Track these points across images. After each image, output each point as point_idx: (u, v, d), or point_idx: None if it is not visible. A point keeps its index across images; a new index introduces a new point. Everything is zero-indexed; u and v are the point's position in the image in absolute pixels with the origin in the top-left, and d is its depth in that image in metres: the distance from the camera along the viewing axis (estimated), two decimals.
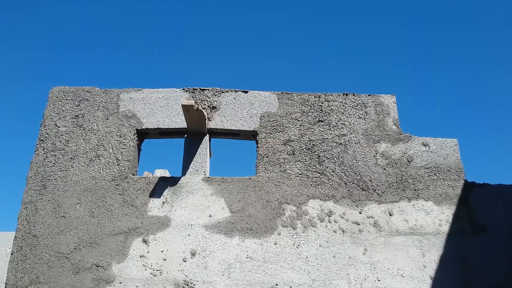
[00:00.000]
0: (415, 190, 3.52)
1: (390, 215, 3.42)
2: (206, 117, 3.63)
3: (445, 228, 3.39)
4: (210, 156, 4.08)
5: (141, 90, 3.92)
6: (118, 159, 3.57)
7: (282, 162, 3.61)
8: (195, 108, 3.32)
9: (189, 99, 3.75)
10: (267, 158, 3.62)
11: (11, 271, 3.16)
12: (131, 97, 3.87)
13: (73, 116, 3.78)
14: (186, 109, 3.36)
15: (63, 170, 3.53)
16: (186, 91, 3.92)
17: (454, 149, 3.71)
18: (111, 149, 3.61)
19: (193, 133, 3.76)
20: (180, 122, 3.75)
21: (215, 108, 3.83)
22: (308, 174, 3.57)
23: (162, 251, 3.25)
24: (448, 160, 3.66)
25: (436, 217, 3.43)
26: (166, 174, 8.23)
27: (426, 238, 3.35)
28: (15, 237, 3.29)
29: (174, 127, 3.78)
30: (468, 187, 3.55)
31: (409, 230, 3.38)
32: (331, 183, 3.53)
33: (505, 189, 3.56)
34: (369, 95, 3.94)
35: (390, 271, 3.23)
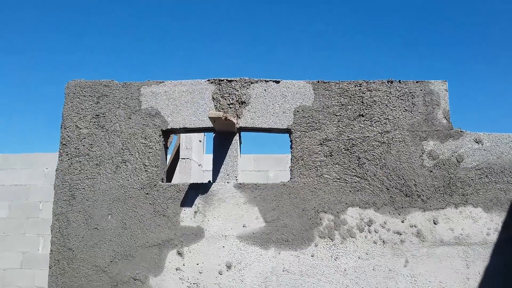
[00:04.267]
0: (463, 195, 3.51)
1: (434, 223, 3.46)
2: (236, 122, 3.58)
3: (493, 237, 3.43)
4: (240, 143, 4.09)
5: (163, 82, 3.87)
6: (145, 165, 3.65)
7: (319, 165, 3.61)
8: (223, 118, 3.28)
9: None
10: (302, 161, 3.62)
11: (52, 285, 3.44)
12: (152, 92, 3.82)
13: (94, 116, 3.80)
14: (213, 120, 3.32)
15: (90, 178, 3.65)
16: (211, 82, 3.84)
17: (510, 145, 3.62)
18: (137, 154, 3.67)
19: (222, 133, 3.74)
20: (207, 119, 3.72)
21: (244, 103, 3.77)
22: (347, 178, 3.57)
23: (197, 264, 3.44)
24: (502, 159, 3.57)
25: (484, 225, 3.45)
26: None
27: (471, 249, 3.41)
28: (51, 250, 3.53)
29: (201, 126, 3.76)
30: None
31: (454, 240, 3.43)
32: (372, 189, 3.54)
33: None
34: (417, 82, 3.77)
35: (431, 284, 3.35)
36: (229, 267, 3.49)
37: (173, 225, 3.58)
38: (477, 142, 3.67)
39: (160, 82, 3.92)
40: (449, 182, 3.58)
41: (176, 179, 8.11)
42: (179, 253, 3.53)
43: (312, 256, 3.48)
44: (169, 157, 8.18)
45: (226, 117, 3.42)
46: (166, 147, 3.91)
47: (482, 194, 3.56)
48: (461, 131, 3.70)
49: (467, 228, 3.50)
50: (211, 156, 4.03)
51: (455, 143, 3.66)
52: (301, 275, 3.45)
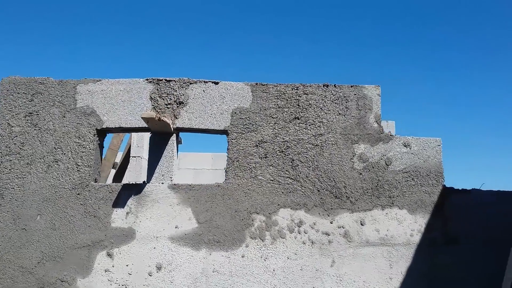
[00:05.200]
0: (390, 197, 3.68)
1: (361, 224, 3.62)
2: (172, 123, 3.64)
3: (416, 238, 3.62)
4: (180, 143, 4.14)
5: (100, 81, 3.88)
6: (78, 165, 3.66)
7: (254, 166, 3.71)
8: (156, 119, 3.33)
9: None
10: (237, 162, 3.71)
11: None
12: (89, 90, 3.83)
13: (27, 114, 3.78)
14: (147, 120, 3.37)
15: (20, 178, 3.63)
16: (150, 82, 3.87)
17: (436, 150, 3.81)
18: (70, 153, 3.68)
19: (158, 133, 3.79)
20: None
21: (183, 103, 3.83)
22: (280, 180, 3.69)
23: (127, 265, 3.49)
24: (429, 162, 3.77)
25: (408, 227, 3.64)
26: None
27: (395, 249, 3.59)
28: None
29: (138, 126, 3.80)
30: (446, 193, 3.72)
31: (379, 240, 3.60)
32: (303, 190, 3.67)
33: (483, 196, 3.72)
34: (351, 86, 3.93)
35: (356, 283, 3.51)
36: (159, 268, 3.54)
37: (104, 226, 3.60)
38: (405, 146, 3.85)
39: (97, 81, 3.93)
40: (377, 184, 3.76)
41: (127, 178, 8.08)
42: (109, 255, 3.56)
43: (242, 256, 3.58)
44: (120, 155, 8.13)
45: (159, 118, 3.47)
46: (101, 147, 3.93)
47: (408, 197, 3.75)
48: (391, 135, 3.88)
49: (392, 229, 3.69)
50: None
51: (384, 146, 3.84)
52: (230, 275, 3.55)
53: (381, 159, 3.82)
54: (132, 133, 7.13)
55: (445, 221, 3.72)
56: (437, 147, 3.88)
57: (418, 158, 3.84)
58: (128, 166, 7.92)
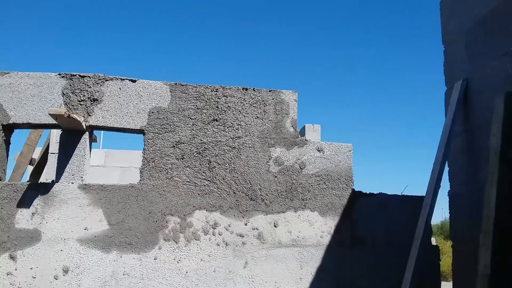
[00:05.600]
0: (303, 199, 3.83)
1: (275, 226, 3.74)
2: (84, 121, 3.54)
3: (326, 240, 3.79)
4: (95, 141, 4.03)
5: (8, 73, 3.70)
6: None
7: (170, 167, 3.70)
8: (65, 116, 3.22)
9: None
10: (153, 163, 3.69)
11: None
12: None
13: None
14: (55, 117, 3.25)
15: None
16: (62, 77, 3.74)
17: (347, 155, 4.01)
18: None
19: (69, 130, 3.67)
20: None
21: (97, 100, 3.74)
22: (196, 181, 3.71)
23: (31, 268, 3.35)
24: (340, 167, 3.96)
25: (318, 229, 3.80)
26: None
27: (306, 250, 3.74)
28: None
29: (48, 122, 3.65)
30: (354, 197, 3.93)
31: (291, 242, 3.73)
32: (219, 192, 3.72)
33: (388, 199, 3.98)
34: (270, 91, 4.02)
35: (267, 284, 3.62)
36: (66, 271, 3.44)
37: (7, 227, 3.43)
38: (319, 151, 4.03)
39: (5, 73, 3.73)
40: (291, 187, 3.89)
41: (45, 175, 7.71)
42: (12, 257, 3.40)
43: (155, 259, 3.57)
44: (39, 150, 7.73)
45: (69, 115, 3.36)
46: (7, 143, 3.73)
47: (319, 199, 3.92)
48: (305, 140, 4.03)
49: (304, 231, 3.84)
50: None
51: (299, 150, 3.99)
52: (142, 278, 3.52)
53: (296, 162, 3.96)
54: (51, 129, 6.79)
55: (353, 223, 3.94)
56: (348, 152, 4.09)
57: (330, 163, 4.03)
58: (47, 163, 7.57)
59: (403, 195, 4.11)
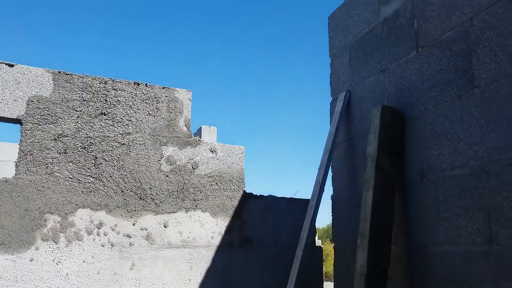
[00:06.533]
0: (194, 200, 3.99)
1: (165, 226, 3.83)
2: None
3: (217, 240, 4.00)
4: None
5: None
6: None
7: (50, 162, 3.60)
8: None
9: None
10: (31, 156, 3.55)
11: None
12: None
13: None
14: None
15: None
16: None
17: (240, 157, 4.28)
18: None
19: None
20: None
21: None
22: (80, 178, 3.65)
23: None
24: (232, 168, 4.21)
25: (209, 229, 3.99)
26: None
27: (196, 251, 3.90)
28: None
29: None
30: (245, 198, 4.21)
31: (181, 242, 3.86)
32: (106, 190, 3.71)
33: (277, 202, 4.33)
34: (163, 88, 4.13)
35: (155, 286, 3.69)
36: None
37: None
38: (212, 152, 4.24)
39: None
40: (183, 187, 4.04)
41: None
42: None
43: (31, 260, 3.42)
44: None
45: None
46: None
47: (211, 200, 4.12)
48: (199, 140, 4.22)
49: (195, 232, 4.00)
50: None
51: (192, 150, 4.15)
52: (16, 281, 3.35)
53: (188, 162, 4.12)
54: None
55: (242, 224, 4.21)
56: (241, 154, 4.38)
57: (223, 164, 4.27)
58: None
59: (290, 197, 4.51)
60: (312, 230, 3.99)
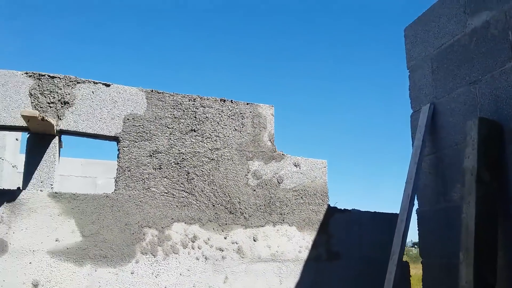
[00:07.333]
0: (281, 214, 4.19)
1: (254, 240, 4.05)
2: (55, 125, 3.64)
3: (304, 254, 4.17)
4: (61, 147, 4.10)
5: None
6: None
7: (147, 177, 3.88)
8: (39, 118, 3.33)
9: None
10: (129, 172, 3.85)
11: None
12: None
13: None
14: (27, 119, 3.35)
15: None
16: (30, 76, 3.81)
17: (322, 171, 4.45)
18: None
19: (38, 134, 3.74)
20: (21, 117, 3.66)
21: (68, 103, 3.85)
22: (174, 193, 3.93)
23: None
24: (316, 183, 4.39)
25: (297, 243, 4.17)
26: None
27: (285, 265, 4.09)
28: None
29: (14, 124, 3.69)
30: (330, 212, 4.36)
31: (270, 256, 4.06)
32: (198, 205, 3.96)
33: (361, 215, 4.47)
34: (247, 104, 4.37)
35: None
36: (36, 285, 3.46)
37: None
38: (295, 166, 4.44)
39: None
40: (270, 201, 4.25)
41: None
42: None
43: (132, 273, 3.70)
44: None
45: (43, 118, 3.45)
46: None
47: (297, 214, 4.31)
48: (283, 154, 4.43)
49: (282, 246, 4.19)
50: None
51: (277, 165, 4.37)
52: None
53: (274, 176, 4.34)
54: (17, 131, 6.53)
55: (328, 238, 4.37)
56: (323, 168, 4.55)
57: (307, 178, 4.45)
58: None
59: (375, 212, 4.64)
60: (403, 245, 4.09)
